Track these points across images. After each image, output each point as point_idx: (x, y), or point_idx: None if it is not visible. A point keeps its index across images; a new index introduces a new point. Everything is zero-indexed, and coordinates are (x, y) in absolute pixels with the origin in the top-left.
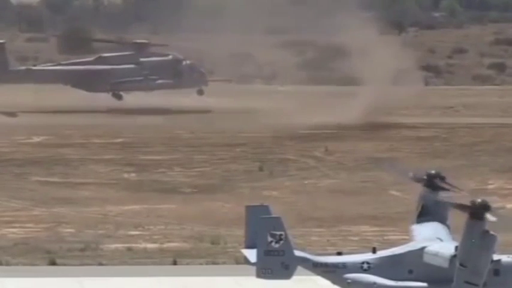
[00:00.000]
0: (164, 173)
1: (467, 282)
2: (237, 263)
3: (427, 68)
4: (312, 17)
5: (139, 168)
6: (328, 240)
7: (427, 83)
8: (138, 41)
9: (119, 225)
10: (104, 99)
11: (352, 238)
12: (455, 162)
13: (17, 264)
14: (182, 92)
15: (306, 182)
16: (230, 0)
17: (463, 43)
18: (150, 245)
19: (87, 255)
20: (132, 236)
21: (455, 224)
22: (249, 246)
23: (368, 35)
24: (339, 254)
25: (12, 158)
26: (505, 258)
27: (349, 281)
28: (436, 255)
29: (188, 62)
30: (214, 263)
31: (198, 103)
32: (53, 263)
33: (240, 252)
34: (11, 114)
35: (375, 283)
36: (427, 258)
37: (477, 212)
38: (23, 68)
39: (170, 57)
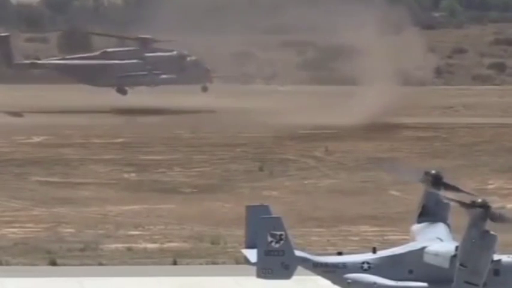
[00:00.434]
0: (164, 173)
1: (467, 282)
2: (237, 263)
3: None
4: (312, 17)
5: (139, 168)
6: (328, 240)
7: (427, 83)
8: (143, 36)
9: (119, 225)
10: (106, 97)
11: (352, 238)
12: (455, 162)
13: (17, 264)
14: (186, 89)
15: (306, 182)
16: (230, 0)
17: (463, 43)
18: (150, 245)
19: (87, 255)
20: (132, 236)
21: (455, 224)
22: (249, 246)
23: (368, 35)
24: (339, 254)
25: (12, 158)
26: (505, 258)
27: (349, 281)
28: (436, 255)
29: (193, 58)
30: (214, 263)
31: (198, 103)
32: (53, 263)
33: (240, 252)
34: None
35: (375, 283)
36: (427, 258)
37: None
38: (28, 61)
39: (175, 52)
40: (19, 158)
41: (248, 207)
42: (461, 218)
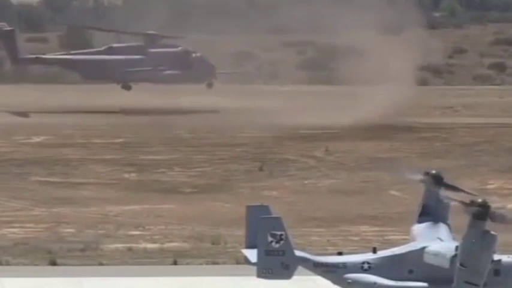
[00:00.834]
0: (164, 173)
1: (467, 283)
2: (237, 263)
3: (427, 68)
4: (312, 17)
5: (139, 168)
6: (328, 240)
7: (427, 83)
8: (149, 32)
9: (119, 225)
10: (106, 97)
11: (353, 238)
12: (455, 162)
13: (17, 264)
14: (189, 86)
15: (306, 182)
16: (231, 0)
17: (463, 43)
18: (150, 245)
19: (87, 255)
20: (133, 236)
21: (455, 224)
22: (250, 246)
23: (368, 35)
24: (340, 254)
25: (12, 158)
26: (505, 258)
27: (349, 281)
28: (436, 255)
29: (198, 54)
30: (214, 263)
31: (198, 104)
32: (53, 263)
33: (241, 252)
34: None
35: (375, 283)
36: (427, 258)
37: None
38: (33, 56)
39: (180, 49)
40: (19, 158)
41: (248, 207)
42: (461, 218)
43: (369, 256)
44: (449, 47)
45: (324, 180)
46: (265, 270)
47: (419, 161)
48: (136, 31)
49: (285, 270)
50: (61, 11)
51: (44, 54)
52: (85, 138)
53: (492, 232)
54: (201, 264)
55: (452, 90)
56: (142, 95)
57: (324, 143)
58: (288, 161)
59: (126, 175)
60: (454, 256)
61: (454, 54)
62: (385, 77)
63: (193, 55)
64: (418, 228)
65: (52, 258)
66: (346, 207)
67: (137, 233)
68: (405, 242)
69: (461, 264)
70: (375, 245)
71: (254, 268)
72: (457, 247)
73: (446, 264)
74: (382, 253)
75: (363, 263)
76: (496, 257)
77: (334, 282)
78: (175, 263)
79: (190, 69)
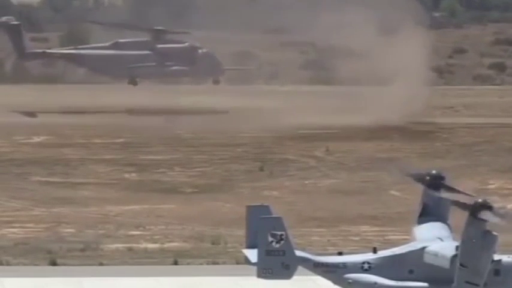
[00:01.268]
0: (164, 173)
1: (467, 282)
2: (238, 263)
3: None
4: (312, 17)
5: (139, 168)
6: (328, 240)
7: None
8: (156, 27)
9: (119, 225)
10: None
11: (353, 238)
12: (455, 162)
13: (17, 264)
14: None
15: (307, 182)
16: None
17: (463, 43)
18: (150, 245)
19: (87, 255)
20: (133, 236)
21: (455, 224)
22: (250, 246)
23: (368, 35)
24: (340, 254)
25: (12, 158)
26: (505, 258)
27: (349, 281)
28: (436, 255)
29: (204, 50)
30: (214, 263)
31: (198, 104)
32: (53, 263)
33: (241, 252)
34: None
35: (375, 283)
36: (427, 258)
37: (478, 211)
38: (40, 50)
39: (186, 44)
40: (19, 158)
41: (248, 207)
42: (461, 218)
43: (369, 256)
44: (449, 47)
45: (324, 180)
46: (265, 270)
47: (420, 161)
48: (142, 26)
49: (285, 270)
50: (61, 11)
51: (49, 48)
52: (85, 138)
53: (492, 232)
54: (201, 264)
55: (452, 90)
56: (144, 94)
57: (324, 143)
58: (288, 161)
59: (126, 175)
60: (455, 256)
61: (454, 54)
62: (385, 77)
63: (200, 51)
64: (418, 228)
65: (52, 258)
66: (347, 207)
67: (137, 233)
68: (405, 242)
69: (461, 264)
70: (375, 245)
71: (254, 268)
72: (457, 247)
73: (446, 264)
74: (382, 253)
75: (363, 263)
76: (496, 257)
77: (335, 282)
78: (175, 263)
79: (197, 65)
